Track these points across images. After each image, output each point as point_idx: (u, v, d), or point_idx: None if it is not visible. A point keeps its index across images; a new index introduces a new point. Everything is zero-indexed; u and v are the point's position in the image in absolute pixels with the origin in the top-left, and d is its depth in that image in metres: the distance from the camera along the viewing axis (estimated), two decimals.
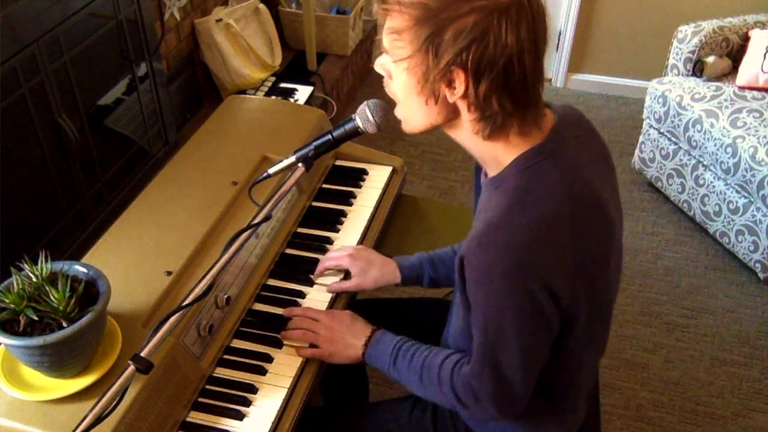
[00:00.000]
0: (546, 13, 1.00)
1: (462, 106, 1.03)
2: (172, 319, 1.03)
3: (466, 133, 1.07)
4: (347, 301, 1.49)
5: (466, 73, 0.98)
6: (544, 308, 1.03)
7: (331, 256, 1.51)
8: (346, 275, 1.50)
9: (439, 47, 0.97)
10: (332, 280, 1.49)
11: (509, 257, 1.00)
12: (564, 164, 1.05)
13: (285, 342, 1.36)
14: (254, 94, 2.86)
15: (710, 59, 2.72)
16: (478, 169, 1.22)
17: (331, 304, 1.46)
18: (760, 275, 2.54)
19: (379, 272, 1.47)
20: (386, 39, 1.03)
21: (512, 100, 1.00)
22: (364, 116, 1.22)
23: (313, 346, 1.34)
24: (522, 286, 1.00)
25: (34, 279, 1.09)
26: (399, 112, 1.11)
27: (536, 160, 1.05)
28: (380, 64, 1.09)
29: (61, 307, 1.06)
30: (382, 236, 1.70)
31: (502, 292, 1.02)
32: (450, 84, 1.00)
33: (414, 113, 1.08)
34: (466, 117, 1.04)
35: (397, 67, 1.04)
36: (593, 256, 1.06)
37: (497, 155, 1.08)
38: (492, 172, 1.11)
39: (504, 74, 0.97)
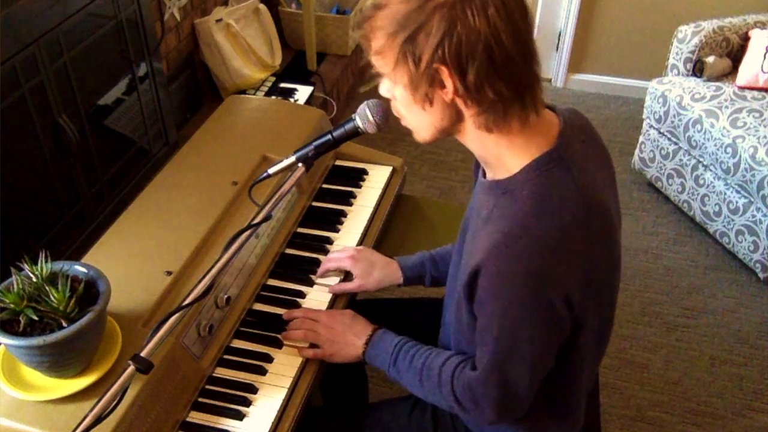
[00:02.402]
0: None
1: (461, 104, 1.03)
2: (172, 319, 1.03)
3: (472, 133, 1.07)
4: (347, 301, 1.49)
5: (449, 68, 0.98)
6: (560, 317, 1.03)
7: (332, 257, 1.51)
8: (348, 276, 1.50)
9: (416, 51, 0.99)
10: (333, 280, 1.49)
11: (531, 268, 1.00)
12: (576, 171, 1.05)
13: (286, 343, 1.36)
14: (254, 94, 2.86)
15: (710, 59, 2.72)
16: (477, 166, 1.22)
17: (331, 304, 1.46)
18: (760, 275, 2.54)
19: (381, 273, 1.47)
20: (373, 61, 1.06)
21: (506, 84, 1.00)
22: (364, 116, 1.22)
23: (314, 346, 1.34)
24: (542, 295, 1.01)
25: (34, 279, 1.09)
26: (407, 124, 1.12)
27: (549, 167, 1.04)
28: (383, 88, 1.11)
29: (61, 307, 1.06)
30: (382, 236, 1.70)
31: (522, 302, 1.02)
32: (440, 84, 1.01)
33: (419, 122, 1.09)
34: (468, 114, 1.04)
35: (391, 83, 1.06)
36: (602, 262, 1.07)
37: (501, 155, 1.07)
38: (495, 173, 1.11)
39: (488, 59, 0.97)
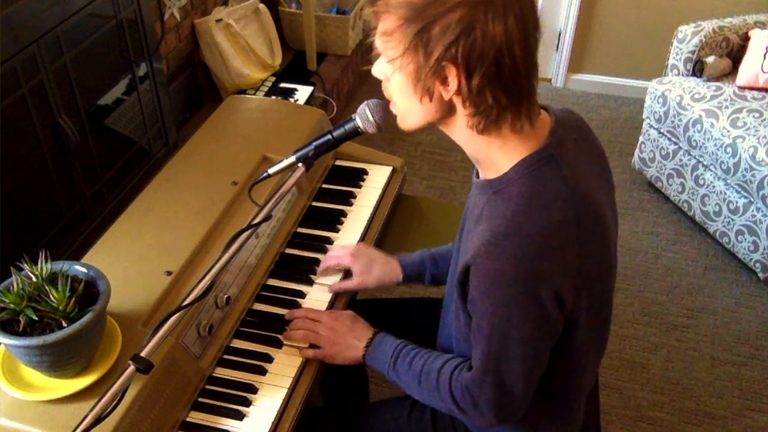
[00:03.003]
0: (535, 2, 1.01)
1: (457, 102, 1.03)
2: (172, 319, 1.03)
3: (462, 130, 1.07)
4: (348, 300, 1.49)
5: (458, 68, 0.98)
6: (550, 315, 1.03)
7: (332, 255, 1.51)
8: (348, 274, 1.50)
9: (428, 44, 0.98)
10: (333, 279, 1.49)
11: (519, 265, 1.00)
12: (566, 169, 1.05)
13: (286, 343, 1.36)
14: (254, 94, 2.86)
15: (710, 59, 2.72)
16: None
17: (332, 303, 1.46)
18: (760, 275, 2.54)
19: (380, 270, 1.47)
20: (378, 41, 1.04)
21: (506, 93, 1.00)
22: (364, 116, 1.22)
23: (314, 346, 1.34)
24: (531, 294, 1.01)
25: (34, 279, 1.09)
26: (395, 110, 1.11)
27: (538, 165, 1.04)
28: (377, 68, 1.09)
29: (61, 307, 1.06)
30: (382, 236, 1.70)
31: (511, 300, 1.02)
32: (444, 81, 1.00)
33: (410, 112, 1.08)
34: (462, 112, 1.04)
35: (391, 67, 1.05)
36: (594, 260, 1.07)
37: (492, 155, 1.08)
38: (486, 173, 1.11)
39: (495, 66, 0.97)
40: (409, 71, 1.02)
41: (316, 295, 1.47)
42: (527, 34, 0.98)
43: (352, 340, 1.31)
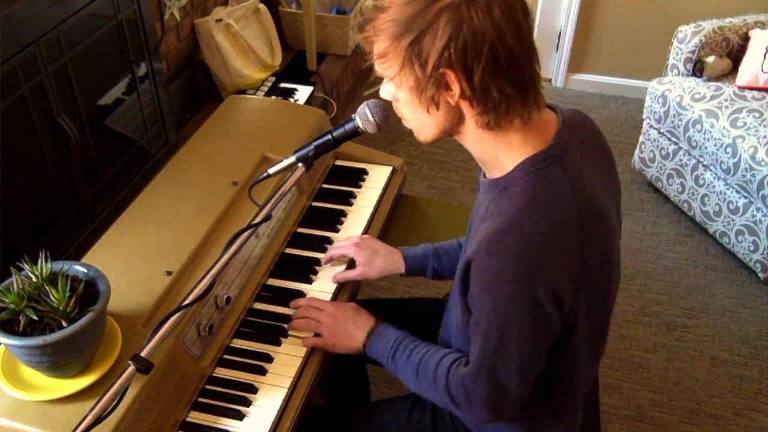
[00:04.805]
0: None
1: (464, 105, 1.03)
2: (172, 319, 1.03)
3: (471, 133, 1.07)
4: (351, 292, 1.50)
5: (456, 71, 0.98)
6: (549, 315, 1.03)
7: (336, 245, 1.52)
8: (351, 265, 1.51)
9: (421, 55, 0.98)
10: (336, 270, 1.50)
11: (520, 264, 1.00)
12: (571, 171, 1.05)
13: (289, 331, 1.37)
14: (254, 94, 2.86)
15: (710, 59, 2.72)
16: None
17: (335, 296, 1.46)
18: (760, 275, 2.54)
19: (383, 261, 1.48)
20: (376, 65, 1.06)
21: (510, 84, 1.00)
22: (364, 116, 1.23)
23: (317, 336, 1.34)
24: (530, 292, 1.01)
25: (34, 279, 1.09)
26: (409, 125, 1.12)
27: (543, 165, 1.05)
28: (384, 90, 1.11)
29: (61, 307, 1.06)
30: (382, 236, 1.70)
31: (510, 298, 1.02)
32: (446, 87, 1.01)
33: (422, 124, 1.09)
34: (470, 114, 1.04)
35: (394, 86, 1.06)
36: (596, 262, 1.07)
37: (498, 155, 1.08)
38: (493, 173, 1.11)
39: (493, 60, 0.97)
40: (411, 85, 1.03)
41: (317, 295, 1.47)
42: (517, 21, 0.98)
43: (353, 330, 1.32)
